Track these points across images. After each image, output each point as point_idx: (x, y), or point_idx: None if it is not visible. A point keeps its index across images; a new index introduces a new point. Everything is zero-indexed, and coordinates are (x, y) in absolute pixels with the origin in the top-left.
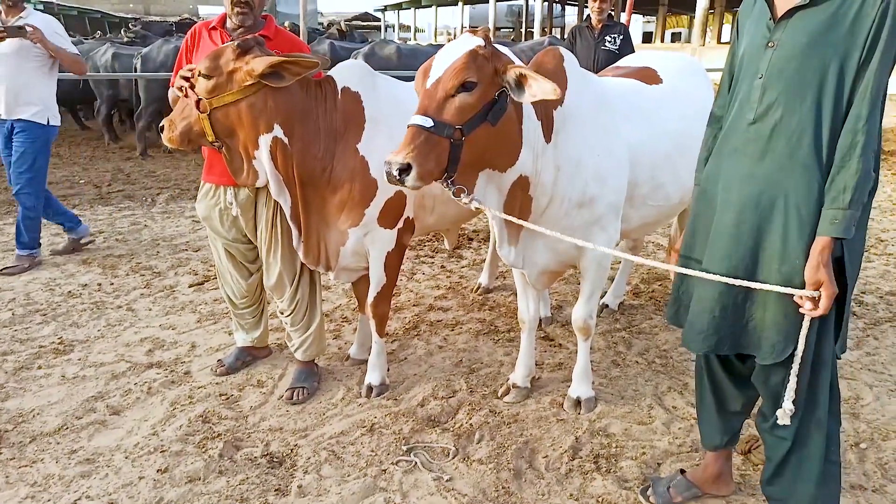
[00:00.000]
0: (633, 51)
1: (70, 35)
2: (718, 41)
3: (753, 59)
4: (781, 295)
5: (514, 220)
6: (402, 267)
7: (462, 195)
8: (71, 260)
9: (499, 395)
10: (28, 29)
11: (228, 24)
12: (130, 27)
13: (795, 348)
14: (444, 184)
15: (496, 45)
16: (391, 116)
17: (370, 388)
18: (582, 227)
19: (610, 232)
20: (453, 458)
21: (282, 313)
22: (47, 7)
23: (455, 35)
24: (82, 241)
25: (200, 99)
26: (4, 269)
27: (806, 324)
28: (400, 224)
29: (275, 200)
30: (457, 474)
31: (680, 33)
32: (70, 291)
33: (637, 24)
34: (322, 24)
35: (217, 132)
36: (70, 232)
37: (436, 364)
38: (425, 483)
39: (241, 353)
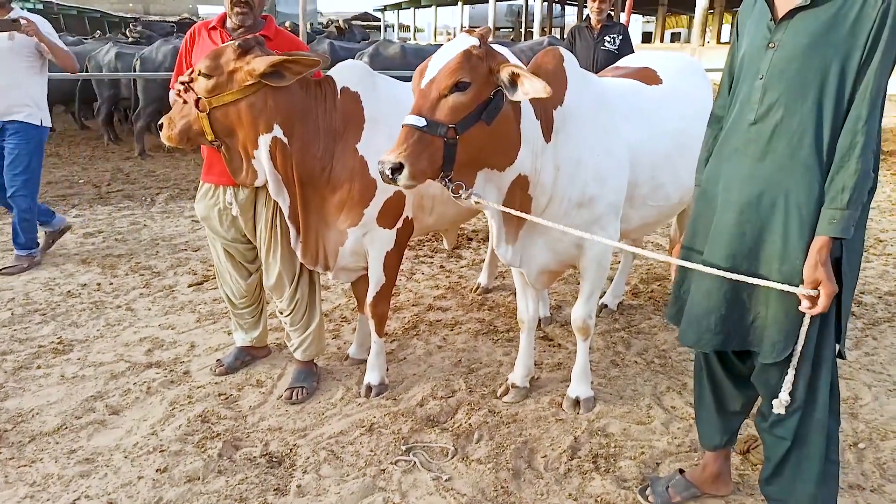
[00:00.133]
0: (632, 51)
1: (69, 35)
2: (718, 41)
3: (754, 60)
4: (782, 294)
5: (514, 212)
6: (402, 267)
7: (461, 191)
8: (70, 260)
9: (498, 394)
10: (23, 22)
11: (228, 23)
12: (132, 27)
13: (796, 345)
14: (442, 182)
15: (494, 45)
16: (390, 116)
17: (369, 388)
18: (582, 226)
19: (610, 232)
20: (452, 457)
21: (281, 313)
22: (46, 7)
23: (454, 35)
24: (60, 230)
25: (200, 98)
26: (3, 269)
27: (806, 321)
28: (399, 224)
29: (274, 200)
30: (456, 474)
31: (679, 33)
32: (69, 291)
33: (636, 24)
34: (321, 23)
35: (216, 131)
36: (45, 226)
37: (435, 364)
38: (424, 483)
39: (241, 352)
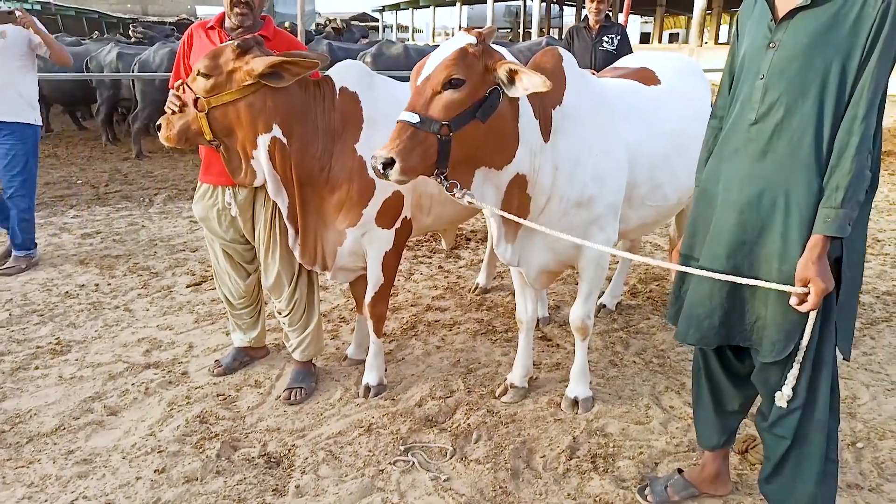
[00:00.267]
0: (630, 51)
1: (67, 35)
2: (716, 42)
3: (755, 60)
4: (782, 294)
5: (509, 216)
6: (400, 267)
7: (455, 190)
8: (68, 260)
9: (496, 395)
10: (18, 14)
11: (227, 23)
12: (134, 28)
13: (797, 344)
14: (438, 179)
15: (491, 45)
16: (389, 116)
17: (368, 389)
18: (580, 226)
19: (608, 232)
20: (451, 458)
21: (279, 313)
22: (44, 7)
23: (453, 35)
24: (31, 261)
25: (198, 98)
26: (1, 269)
27: (812, 317)
28: (397, 224)
29: (273, 200)
30: (454, 474)
31: (677, 34)
32: (67, 292)
33: (635, 25)
34: (319, 24)
35: (215, 131)
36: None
37: (433, 364)
38: (423, 483)
39: (239, 353)
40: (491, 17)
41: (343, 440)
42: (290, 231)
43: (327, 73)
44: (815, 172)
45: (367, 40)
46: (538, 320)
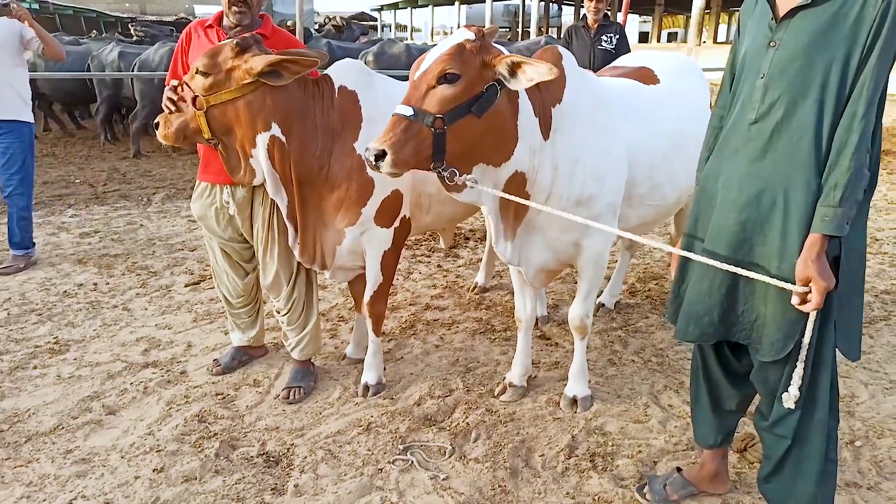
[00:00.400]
0: (629, 50)
1: (66, 34)
2: (714, 41)
3: (755, 59)
4: (781, 292)
5: (512, 197)
6: (399, 266)
7: (455, 178)
8: (67, 259)
9: (495, 393)
10: (13, 6)
11: (225, 22)
12: (136, 27)
13: (797, 342)
14: (436, 172)
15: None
16: (388, 115)
17: (367, 388)
18: (580, 225)
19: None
20: (450, 456)
21: (278, 312)
22: (42, 6)
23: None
24: (29, 261)
25: (197, 96)
26: (0, 268)
27: (812, 316)
28: (396, 223)
29: (271, 199)
30: (453, 473)
31: (676, 33)
32: (66, 291)
33: (633, 24)
34: (318, 23)
35: (214, 130)
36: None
37: (432, 363)
38: (422, 482)
39: (238, 352)
40: (489, 15)
41: (342, 439)
42: (290, 230)
43: (326, 71)
44: (815, 171)
45: (367, 38)
46: (537, 319)
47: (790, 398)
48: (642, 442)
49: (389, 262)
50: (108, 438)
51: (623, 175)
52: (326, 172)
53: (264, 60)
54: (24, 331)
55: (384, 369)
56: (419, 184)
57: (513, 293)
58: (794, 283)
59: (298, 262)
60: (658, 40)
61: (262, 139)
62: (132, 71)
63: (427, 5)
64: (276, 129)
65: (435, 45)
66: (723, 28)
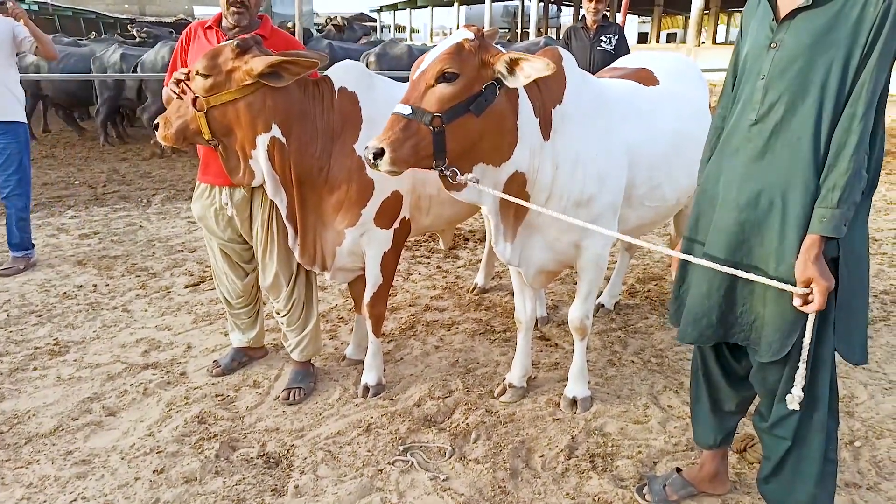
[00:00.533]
0: (628, 51)
1: (65, 35)
2: (713, 41)
3: (756, 60)
4: (779, 293)
5: (510, 198)
6: (399, 267)
7: (457, 177)
8: (66, 261)
9: (495, 394)
10: (10, 5)
11: (224, 23)
12: (137, 29)
13: (795, 343)
14: (438, 170)
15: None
16: (388, 117)
17: (366, 389)
18: (579, 227)
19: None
20: (450, 457)
21: (278, 314)
22: (41, 7)
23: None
24: (29, 262)
25: (197, 97)
26: (0, 270)
27: (811, 317)
28: (396, 224)
29: (270, 201)
30: (453, 474)
31: (675, 34)
32: (65, 292)
33: (632, 25)
34: (318, 23)
35: (214, 131)
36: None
37: (432, 364)
38: (422, 483)
39: (237, 353)
40: (489, 17)
41: (342, 440)
42: (290, 231)
43: (326, 73)
44: (813, 172)
45: (369, 38)
46: (536, 320)
47: (794, 400)
48: (642, 442)
49: (389, 264)
50: (108, 440)
51: (623, 176)
52: (326, 174)
53: (264, 62)
54: (23, 332)
55: (384, 370)
56: (419, 185)
57: (512, 294)
58: (792, 284)
59: (298, 264)
60: (657, 41)
61: (262, 140)
62: (133, 72)
63: (426, 6)
64: (276, 131)
65: (435, 45)
66: (721, 29)
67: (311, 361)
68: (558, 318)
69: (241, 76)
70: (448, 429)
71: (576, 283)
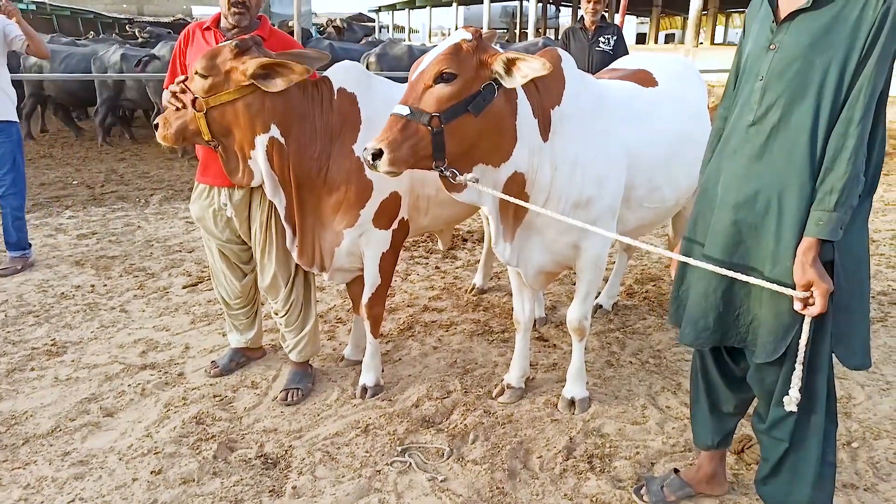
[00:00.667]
0: (626, 52)
1: (63, 35)
2: (711, 42)
3: (756, 61)
4: (773, 295)
5: (510, 199)
6: (397, 268)
7: (456, 178)
8: (64, 261)
9: (493, 395)
10: (2, 3)
11: (223, 23)
12: (139, 30)
13: (791, 345)
14: (438, 171)
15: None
16: (386, 117)
17: (364, 389)
18: (578, 228)
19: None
20: (448, 458)
21: (276, 314)
22: (39, 7)
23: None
24: (26, 262)
25: (196, 98)
26: None
27: (808, 319)
28: (395, 225)
29: (269, 201)
30: (451, 475)
31: (673, 34)
32: (63, 293)
33: (631, 25)
34: (315, 24)
35: (213, 131)
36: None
37: (430, 365)
38: (420, 484)
39: (235, 354)
40: (487, 17)
41: (340, 441)
42: (288, 232)
43: (325, 73)
44: (809, 175)
45: (370, 39)
46: (535, 321)
47: (791, 401)
48: (640, 443)
49: (388, 264)
50: (105, 440)
51: (622, 177)
52: (325, 174)
53: (256, 63)
54: (21, 333)
55: (382, 371)
56: (417, 186)
57: (511, 295)
58: (788, 286)
59: (296, 264)
60: (655, 41)
61: (261, 141)
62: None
63: (425, 6)
64: (274, 131)
65: (435, 45)
66: (720, 29)
67: (310, 362)
68: (556, 318)
69: (239, 77)
70: (446, 429)
71: (574, 284)
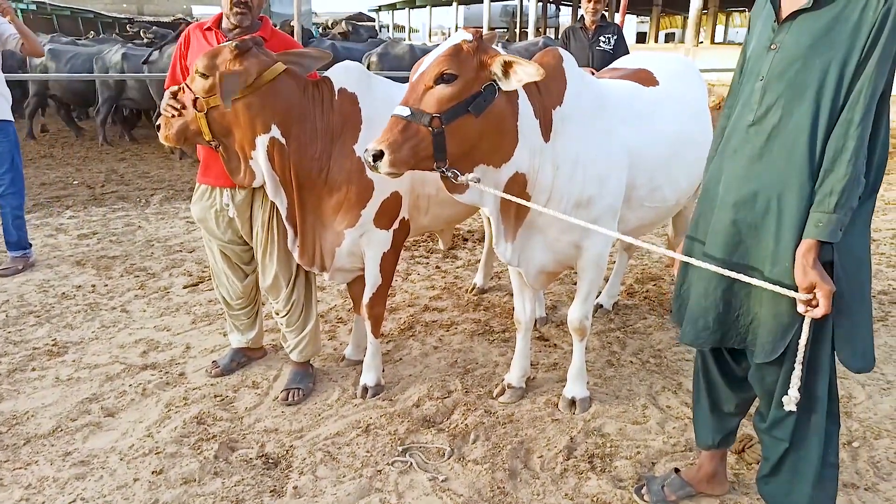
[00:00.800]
0: (627, 51)
1: (63, 35)
2: (712, 42)
3: (757, 61)
4: (772, 295)
5: (512, 198)
6: (397, 267)
7: (458, 178)
8: (65, 261)
9: (494, 395)
10: None
11: (224, 24)
12: (143, 30)
13: (790, 345)
14: (439, 171)
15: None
16: (387, 117)
17: (365, 389)
18: (580, 227)
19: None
20: (449, 458)
21: (277, 314)
22: (39, 7)
23: (448, 35)
24: (27, 262)
25: (197, 98)
26: None
27: (808, 319)
28: (395, 225)
29: (271, 202)
30: (452, 475)
31: (674, 34)
32: (64, 293)
33: (631, 25)
34: (316, 24)
35: (214, 131)
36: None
37: (431, 364)
38: (421, 484)
39: (236, 354)
40: (487, 16)
41: (341, 441)
42: (289, 232)
43: (326, 73)
44: (808, 176)
45: (374, 40)
46: (535, 320)
47: (790, 400)
48: (640, 443)
49: (388, 264)
50: (106, 440)
51: (623, 177)
52: (326, 174)
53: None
54: (22, 333)
55: (383, 371)
56: (418, 186)
57: (511, 294)
58: (788, 287)
59: (297, 264)
60: (656, 41)
61: (262, 141)
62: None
63: (425, 6)
64: (275, 131)
65: (437, 45)
66: (720, 29)
67: (310, 362)
68: (557, 318)
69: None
70: (447, 429)
71: (575, 284)
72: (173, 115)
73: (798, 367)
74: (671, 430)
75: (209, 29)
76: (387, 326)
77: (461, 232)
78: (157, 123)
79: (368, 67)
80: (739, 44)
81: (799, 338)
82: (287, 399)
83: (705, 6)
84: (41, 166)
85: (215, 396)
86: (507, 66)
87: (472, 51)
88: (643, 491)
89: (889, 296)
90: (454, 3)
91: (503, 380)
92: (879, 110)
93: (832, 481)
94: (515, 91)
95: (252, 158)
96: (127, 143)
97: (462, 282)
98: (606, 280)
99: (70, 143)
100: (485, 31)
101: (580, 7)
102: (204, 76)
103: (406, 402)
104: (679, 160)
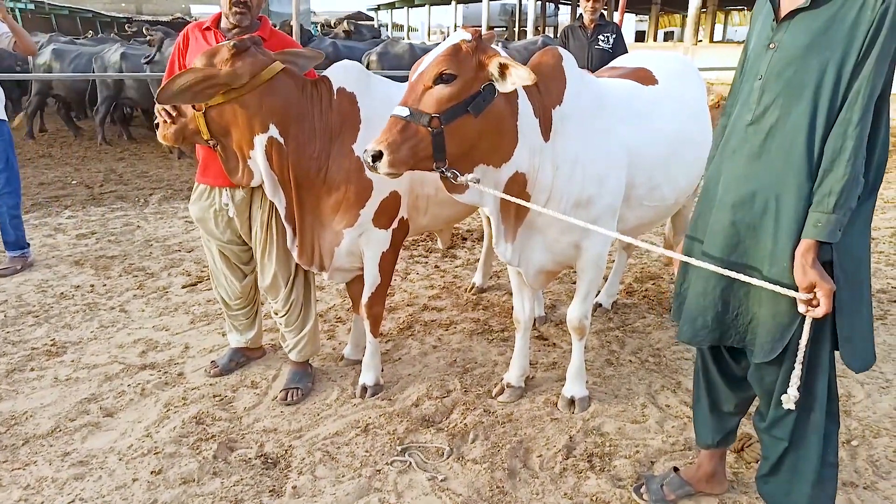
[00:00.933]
0: (626, 50)
1: (62, 35)
2: (711, 40)
3: (756, 60)
4: (771, 295)
5: (511, 198)
6: (396, 267)
7: (457, 179)
8: (63, 261)
9: (493, 394)
10: None
11: (223, 23)
12: (147, 29)
13: (789, 344)
14: (439, 172)
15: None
16: (386, 117)
17: (364, 389)
18: (579, 227)
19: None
20: (448, 457)
21: (276, 314)
22: (38, 6)
23: (447, 34)
24: (25, 262)
25: None
26: None
27: (808, 318)
28: (394, 224)
29: (270, 201)
30: (451, 474)
31: (673, 32)
32: (62, 293)
33: (630, 23)
34: (315, 23)
35: (212, 131)
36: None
37: (430, 364)
38: (420, 483)
39: (235, 354)
40: (486, 15)
41: (340, 440)
42: (288, 231)
43: (325, 73)
44: (807, 175)
45: (376, 40)
46: (534, 319)
47: (789, 399)
48: (639, 442)
49: (387, 264)
50: (105, 441)
51: (622, 177)
52: (325, 174)
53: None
54: (20, 333)
55: (382, 370)
56: (417, 185)
57: (510, 294)
58: (785, 286)
59: (296, 264)
60: (654, 39)
61: (260, 140)
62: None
63: (424, 5)
64: (273, 131)
65: (436, 44)
66: (719, 27)
67: (309, 362)
68: (556, 317)
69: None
70: (446, 429)
71: (574, 283)
72: (165, 122)
73: (798, 367)
74: (670, 429)
75: (208, 28)
76: (386, 326)
77: (460, 231)
78: (155, 122)
79: (368, 67)
80: (739, 42)
81: (798, 337)
82: (286, 399)
83: (704, 5)
84: (40, 166)
85: (214, 396)
86: (503, 68)
87: (471, 50)
88: (642, 490)
89: (888, 294)
90: (453, 2)
91: (502, 379)
92: (879, 109)
93: (831, 480)
94: (515, 91)
95: (250, 158)
96: (126, 142)
97: (461, 281)
98: (605, 279)
99: (69, 143)
100: (484, 29)
101: (579, 6)
102: None
103: (405, 402)
104: (678, 159)
